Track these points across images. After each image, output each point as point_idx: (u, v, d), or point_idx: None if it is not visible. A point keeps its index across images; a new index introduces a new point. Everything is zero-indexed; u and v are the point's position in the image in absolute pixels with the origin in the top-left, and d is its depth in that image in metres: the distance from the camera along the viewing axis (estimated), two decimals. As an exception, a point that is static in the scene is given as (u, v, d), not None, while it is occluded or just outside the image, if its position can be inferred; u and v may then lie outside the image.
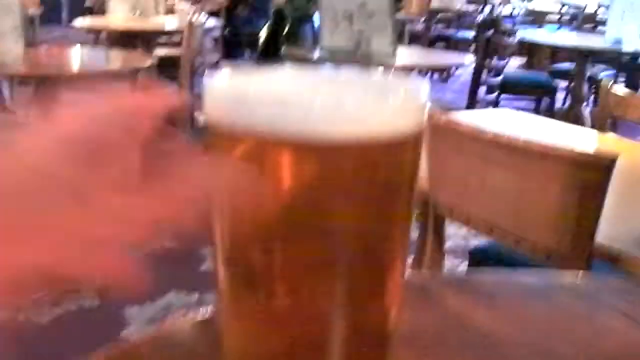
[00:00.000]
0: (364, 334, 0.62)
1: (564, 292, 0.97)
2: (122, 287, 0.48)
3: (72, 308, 3.89)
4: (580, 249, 1.89)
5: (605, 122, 3.50)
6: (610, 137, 3.44)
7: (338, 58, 5.68)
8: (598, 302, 0.95)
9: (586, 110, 8.16)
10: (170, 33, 8.51)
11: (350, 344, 0.61)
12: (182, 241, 4.85)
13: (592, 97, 8.82)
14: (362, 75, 0.64)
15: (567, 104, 9.05)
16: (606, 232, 1.93)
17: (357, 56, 5.55)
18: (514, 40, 6.57)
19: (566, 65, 9.16)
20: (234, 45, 11.17)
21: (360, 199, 0.56)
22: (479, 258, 2.98)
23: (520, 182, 1.98)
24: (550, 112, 8.00)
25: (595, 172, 1.83)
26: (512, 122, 3.52)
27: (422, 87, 0.59)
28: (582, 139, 3.32)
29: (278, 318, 0.60)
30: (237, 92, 0.56)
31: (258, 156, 0.56)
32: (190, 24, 5.08)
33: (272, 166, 0.56)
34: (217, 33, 10.50)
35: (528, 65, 13.14)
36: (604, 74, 8.78)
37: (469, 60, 6.53)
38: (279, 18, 7.58)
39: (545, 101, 8.26)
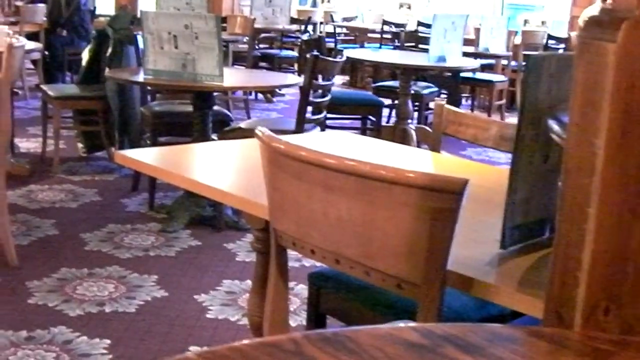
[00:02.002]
0: None
1: (452, 347, 0.88)
2: None
3: None
4: (433, 277, 1.83)
5: (439, 141, 3.50)
6: (445, 156, 3.45)
7: (163, 80, 5.57)
8: (485, 355, 0.87)
9: (411, 126, 8.28)
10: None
11: None
12: (5, 275, 4.65)
13: (416, 114, 8.95)
14: None
15: (392, 121, 9.17)
16: (456, 258, 1.89)
17: (184, 78, 5.45)
18: (341, 59, 6.57)
19: (390, 83, 9.29)
20: (55, 68, 10.89)
21: None
22: (319, 283, 2.92)
23: (367, 209, 1.90)
24: (377, 130, 8.07)
25: (446, 198, 1.77)
26: (348, 144, 3.47)
27: None
28: (423, 161, 3.30)
29: None
30: None
31: None
32: (10, 46, 4.86)
33: None
34: (36, 55, 10.21)
35: (351, 84, 13.32)
36: (427, 90, 8.94)
37: (295, 80, 6.49)
38: (101, 39, 7.39)
39: (371, 119, 8.33)
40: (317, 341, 0.88)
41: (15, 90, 9.00)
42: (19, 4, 12.67)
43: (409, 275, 1.87)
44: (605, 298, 1.43)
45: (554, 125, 1.83)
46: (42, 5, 11.52)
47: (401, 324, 0.94)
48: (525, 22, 13.47)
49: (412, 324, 0.94)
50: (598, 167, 1.37)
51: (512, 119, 7.75)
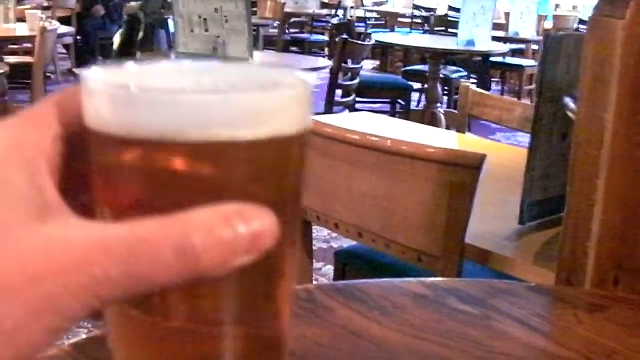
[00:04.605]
0: (259, 348, 0.59)
1: (454, 299, 0.94)
2: None
3: None
4: (451, 250, 1.89)
5: (464, 122, 3.55)
6: (470, 137, 3.49)
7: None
8: (489, 308, 0.93)
9: (440, 110, 8.29)
10: (20, 40, 8.34)
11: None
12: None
13: (446, 98, 8.96)
14: (250, 70, 0.61)
15: (421, 105, 9.19)
16: (475, 233, 1.94)
17: (214, 61, 5.50)
18: (369, 43, 6.61)
19: (419, 68, 9.30)
20: (87, 52, 10.99)
21: (252, 197, 0.52)
22: (345, 260, 2.98)
23: (388, 184, 1.96)
24: (406, 114, 8.10)
25: (464, 173, 1.83)
26: (373, 125, 3.53)
27: (310, 80, 0.56)
28: (447, 140, 3.35)
29: (172, 338, 0.56)
30: (121, 90, 0.51)
31: (147, 159, 0.51)
32: (43, 30, 4.94)
33: (164, 169, 0.51)
34: (68, 40, 10.32)
35: (381, 68, 13.32)
36: (456, 75, 8.95)
37: (325, 63, 6.54)
38: (133, 24, 7.46)
39: (400, 103, 8.36)
40: (329, 291, 0.94)
41: (48, 74, 9.09)
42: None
43: (429, 248, 1.93)
44: (614, 268, 1.48)
45: (571, 103, 1.89)
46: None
47: (410, 279, 1.00)
48: (557, 6, 13.42)
49: (420, 279, 1.01)
50: (607, 140, 1.42)
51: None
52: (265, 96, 0.53)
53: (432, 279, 1.01)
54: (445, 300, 0.94)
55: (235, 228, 0.45)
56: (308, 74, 0.57)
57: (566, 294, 1.07)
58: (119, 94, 0.51)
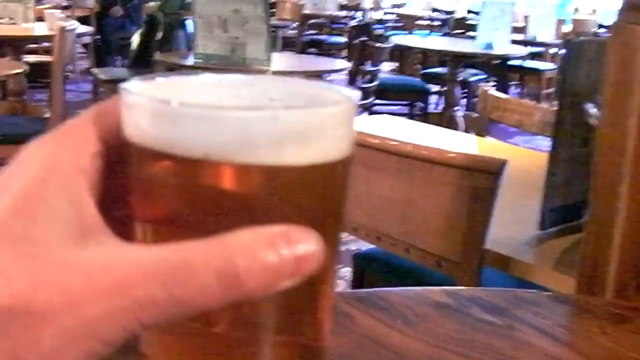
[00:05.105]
0: (302, 357, 0.58)
1: (477, 308, 0.94)
2: None
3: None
4: (471, 255, 1.88)
5: (484, 126, 3.53)
6: (490, 141, 3.48)
7: (213, 64, 5.63)
8: (513, 318, 0.93)
9: (459, 113, 8.28)
10: (39, 39, 8.36)
11: None
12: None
13: (464, 101, 8.95)
14: (290, 85, 0.60)
15: (439, 108, 9.17)
16: (495, 238, 1.93)
17: (232, 62, 5.51)
18: (388, 45, 6.60)
19: (438, 70, 9.28)
20: (105, 52, 11.02)
21: (296, 219, 0.51)
22: (363, 263, 2.97)
23: (408, 188, 1.96)
24: (425, 116, 8.10)
25: (485, 178, 1.82)
26: (392, 127, 3.52)
27: (355, 97, 0.55)
28: (466, 144, 3.34)
29: (212, 346, 0.55)
30: (161, 105, 0.50)
31: (188, 176, 0.51)
32: (62, 29, 4.95)
33: (205, 187, 0.51)
34: (87, 39, 10.34)
35: (400, 70, 13.30)
36: (474, 78, 8.93)
37: (343, 65, 6.54)
38: (151, 24, 7.47)
39: (419, 105, 8.36)
40: (350, 299, 0.93)
41: (66, 73, 9.11)
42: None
43: (448, 253, 1.92)
44: (636, 276, 1.47)
45: (592, 109, 1.87)
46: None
47: (433, 287, 0.99)
48: (575, 10, 13.39)
49: (442, 287, 1.00)
50: (630, 147, 1.41)
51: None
52: (313, 114, 0.51)
53: (454, 287, 1.01)
54: (468, 310, 0.93)
55: (280, 252, 0.44)
56: (351, 90, 0.56)
57: (590, 304, 1.06)
58: (159, 108, 0.50)
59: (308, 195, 0.53)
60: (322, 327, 0.59)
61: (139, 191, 0.53)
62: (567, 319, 0.99)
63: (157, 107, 0.50)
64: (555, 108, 2.13)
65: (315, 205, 0.54)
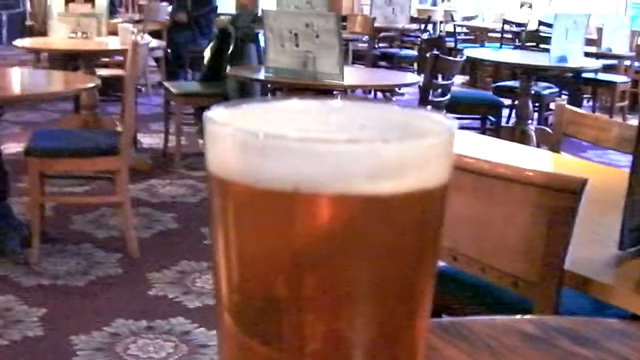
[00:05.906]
0: None
1: (566, 339, 0.90)
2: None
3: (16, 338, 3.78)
4: (550, 276, 1.84)
5: (559, 141, 3.48)
6: (565, 157, 3.42)
7: (284, 78, 5.63)
8: (604, 350, 0.89)
9: (531, 127, 8.19)
10: (112, 53, 8.45)
11: None
12: (127, 266, 4.77)
13: (536, 114, 8.86)
14: (381, 111, 0.57)
15: (511, 121, 9.09)
16: (572, 258, 1.89)
17: (304, 76, 5.50)
18: (460, 58, 6.56)
19: (510, 83, 9.20)
20: (177, 66, 11.10)
21: (392, 245, 0.49)
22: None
23: (485, 207, 1.92)
24: (497, 130, 8.02)
25: (565, 197, 1.78)
26: (466, 143, 3.47)
27: (453, 125, 0.52)
28: (542, 160, 3.29)
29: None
30: (248, 136, 0.48)
31: (277, 209, 0.48)
32: (134, 43, 4.98)
33: (299, 218, 0.48)
34: (159, 53, 10.42)
35: (471, 83, 13.23)
36: (547, 91, 8.84)
37: (414, 79, 6.51)
38: (223, 37, 7.50)
39: (490, 119, 8.28)
40: (434, 328, 0.90)
41: (138, 87, 9.19)
42: (143, 2, 12.94)
43: (526, 273, 1.88)
44: None
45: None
46: (165, 4, 11.77)
47: (517, 316, 0.95)
48: (651, 21, 13.21)
49: (527, 316, 0.96)
50: None
51: (634, 121, 7.61)
52: (412, 147, 0.49)
53: (540, 317, 0.97)
54: (556, 341, 0.90)
55: None
56: (446, 117, 0.53)
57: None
58: (246, 140, 0.48)
59: (404, 226, 0.51)
60: (416, 350, 0.56)
61: (223, 225, 0.51)
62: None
63: (244, 139, 0.48)
64: (631, 122, 2.08)
65: (412, 231, 0.52)
